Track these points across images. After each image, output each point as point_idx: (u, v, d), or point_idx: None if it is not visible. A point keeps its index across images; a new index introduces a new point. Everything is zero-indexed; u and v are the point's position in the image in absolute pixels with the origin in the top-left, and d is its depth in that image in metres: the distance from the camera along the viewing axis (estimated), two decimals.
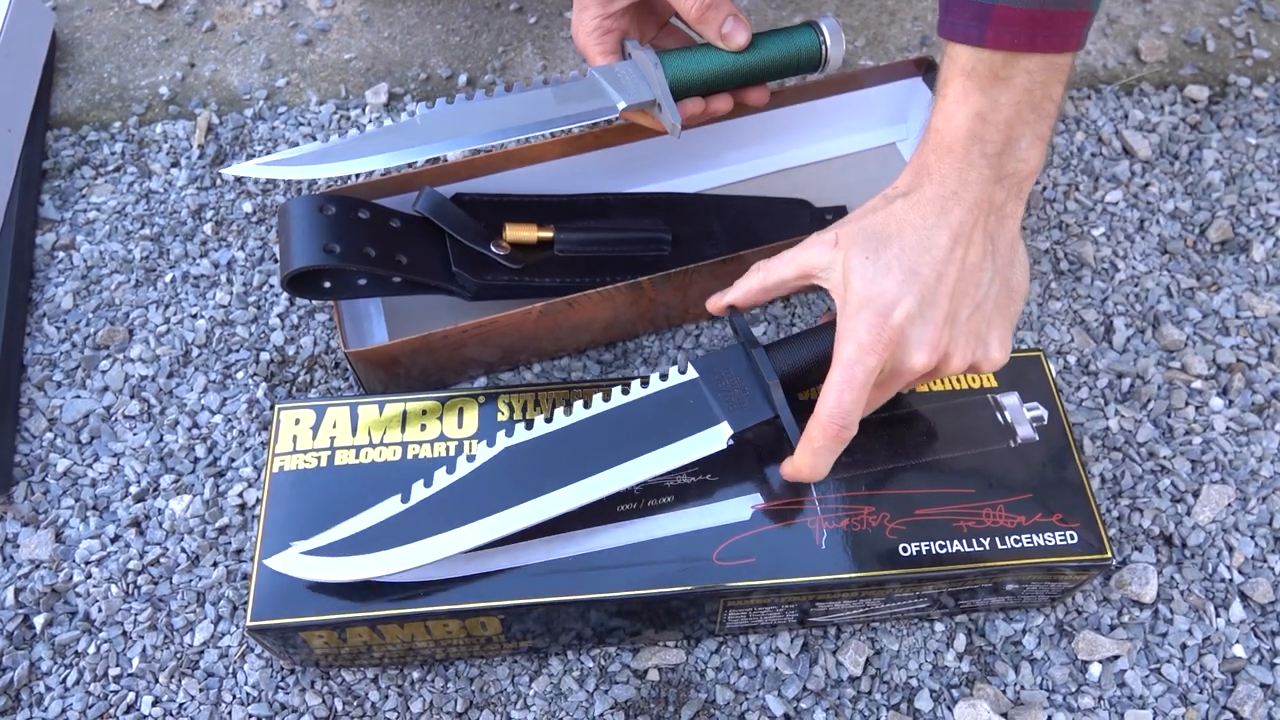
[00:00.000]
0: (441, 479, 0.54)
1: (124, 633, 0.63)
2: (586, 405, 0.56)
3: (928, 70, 0.81)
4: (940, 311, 0.51)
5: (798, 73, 0.67)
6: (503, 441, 0.55)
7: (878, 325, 0.50)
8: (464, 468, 0.54)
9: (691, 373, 0.56)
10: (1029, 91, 0.50)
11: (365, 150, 0.61)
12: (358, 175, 0.79)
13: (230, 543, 0.66)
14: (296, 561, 0.53)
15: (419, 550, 0.52)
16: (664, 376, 0.56)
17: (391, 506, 0.53)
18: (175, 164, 0.85)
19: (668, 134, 0.65)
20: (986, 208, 0.51)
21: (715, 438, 0.55)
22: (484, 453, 0.54)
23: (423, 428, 0.61)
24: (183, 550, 0.65)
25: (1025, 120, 0.51)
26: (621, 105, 0.62)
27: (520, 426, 0.55)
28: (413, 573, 0.54)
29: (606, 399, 0.56)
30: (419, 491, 0.54)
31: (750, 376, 0.56)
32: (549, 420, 0.55)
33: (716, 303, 0.58)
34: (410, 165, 0.70)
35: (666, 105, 0.62)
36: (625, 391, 0.56)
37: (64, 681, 0.61)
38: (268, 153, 0.85)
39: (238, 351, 0.74)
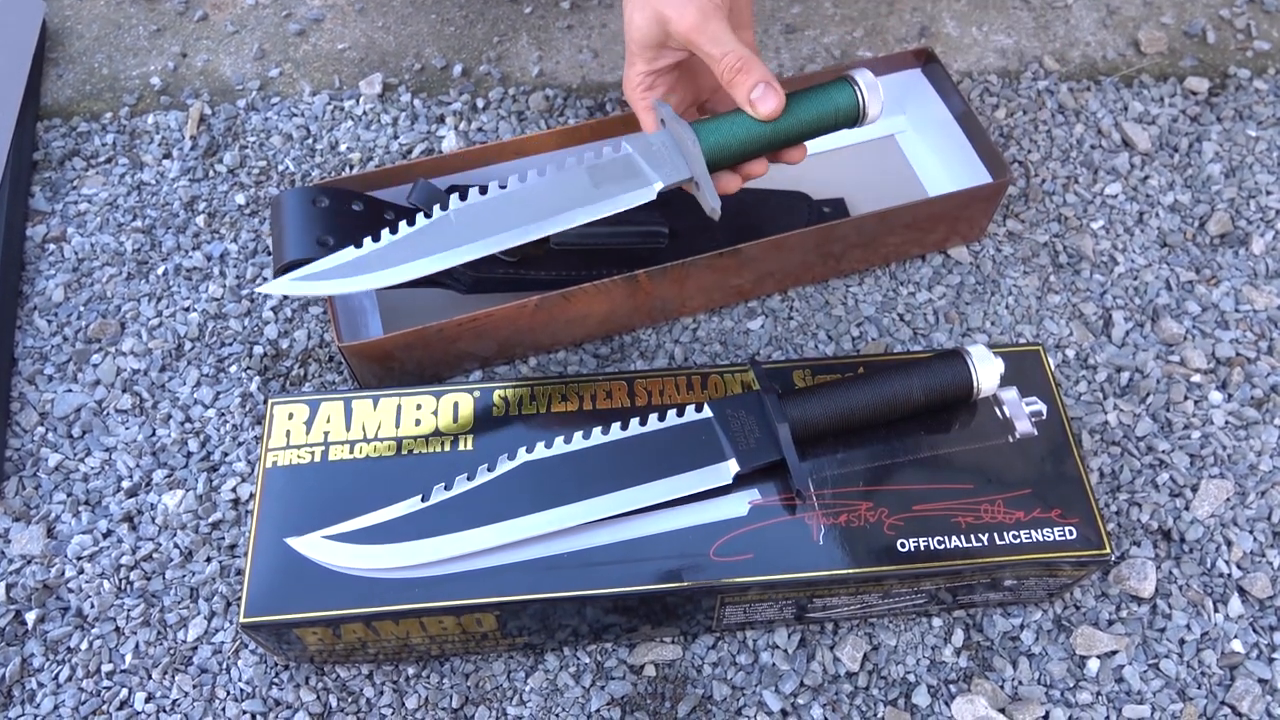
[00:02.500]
0: (461, 484, 0.56)
1: (117, 629, 0.62)
2: (605, 431, 0.58)
3: (927, 61, 0.81)
4: None
5: (836, 129, 0.63)
6: (522, 456, 0.57)
7: None
8: (483, 476, 0.56)
9: (706, 412, 0.58)
10: None
11: (402, 257, 0.57)
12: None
13: (224, 538, 0.65)
14: (319, 545, 0.55)
15: (433, 546, 0.54)
16: (680, 412, 0.58)
17: (411, 504, 0.55)
18: (167, 155, 0.84)
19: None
20: None
21: (722, 473, 0.57)
22: (503, 464, 0.56)
23: (417, 422, 0.60)
24: (176, 545, 0.65)
25: None
26: (659, 186, 0.59)
27: (540, 444, 0.57)
28: (411, 569, 0.54)
29: (625, 428, 0.58)
30: (438, 493, 0.56)
31: (762, 420, 0.58)
32: (568, 441, 0.57)
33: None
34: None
35: (704, 185, 0.59)
36: (643, 422, 0.58)
37: (56, 678, 0.61)
38: (260, 143, 0.84)
39: (231, 345, 0.74)
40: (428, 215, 0.58)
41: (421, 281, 0.68)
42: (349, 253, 0.57)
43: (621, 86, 0.65)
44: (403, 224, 0.57)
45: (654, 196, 0.59)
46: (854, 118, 0.62)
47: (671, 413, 0.58)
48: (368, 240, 0.57)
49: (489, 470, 0.56)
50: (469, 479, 0.56)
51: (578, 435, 0.58)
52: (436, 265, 0.57)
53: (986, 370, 0.59)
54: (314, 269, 0.57)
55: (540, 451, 0.57)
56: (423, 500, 0.55)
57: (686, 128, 0.60)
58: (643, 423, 0.58)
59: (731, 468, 0.57)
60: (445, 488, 0.56)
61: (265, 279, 0.77)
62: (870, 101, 0.62)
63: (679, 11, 0.59)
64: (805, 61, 0.92)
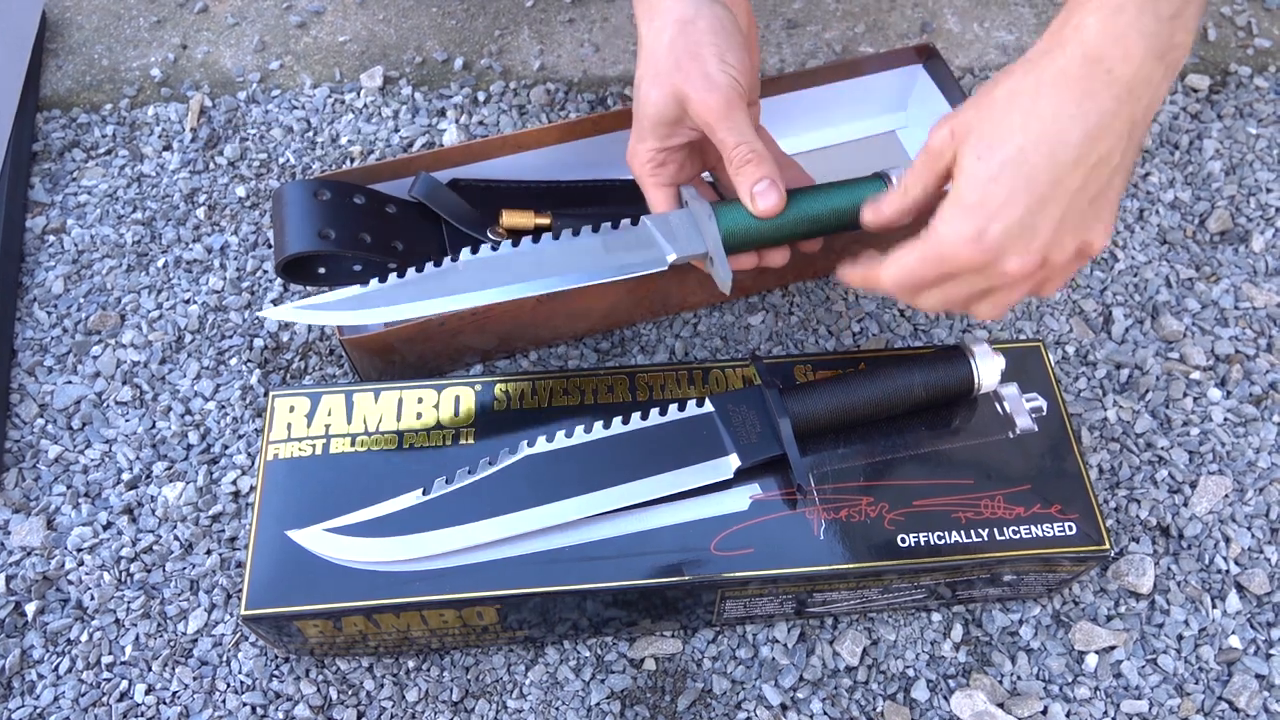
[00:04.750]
0: (462, 477, 0.56)
1: (116, 621, 0.62)
2: (606, 425, 0.58)
3: (928, 58, 0.80)
4: (1049, 218, 0.46)
5: (858, 227, 0.59)
6: (523, 450, 0.57)
7: (973, 239, 0.47)
8: (484, 469, 0.56)
9: (708, 406, 0.58)
10: None
11: (406, 297, 0.56)
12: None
13: (224, 530, 0.65)
14: (320, 538, 0.55)
15: (434, 540, 0.54)
16: (681, 407, 0.58)
17: (412, 498, 0.55)
18: (167, 147, 0.84)
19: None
20: (1141, 91, 0.42)
21: (723, 467, 0.57)
22: (504, 458, 0.57)
23: (418, 416, 0.60)
24: (176, 538, 0.65)
25: None
26: (671, 257, 0.58)
27: (542, 438, 0.57)
28: (412, 562, 0.54)
29: (626, 422, 0.58)
30: (439, 487, 0.56)
31: (763, 415, 0.58)
32: (569, 435, 0.57)
33: (871, 221, 0.55)
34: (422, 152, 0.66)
35: (718, 259, 0.58)
36: (644, 417, 0.58)
37: (56, 670, 0.61)
38: (260, 136, 0.84)
39: (231, 338, 0.73)
40: (437, 265, 0.57)
41: None
42: (355, 289, 0.57)
43: (627, 159, 0.62)
44: (410, 269, 0.57)
45: (665, 266, 0.59)
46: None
47: (673, 407, 0.58)
48: (374, 280, 0.57)
49: (490, 464, 0.56)
50: (470, 473, 0.56)
51: (579, 429, 0.58)
52: (437, 309, 0.57)
53: (987, 366, 0.59)
54: (318, 300, 0.57)
55: (541, 445, 0.57)
56: (424, 494, 0.55)
57: (706, 205, 0.59)
58: (644, 417, 0.58)
59: (733, 462, 0.57)
60: (446, 481, 0.56)
61: (266, 271, 0.77)
62: None
63: (702, 95, 0.55)
64: (807, 57, 0.92)
